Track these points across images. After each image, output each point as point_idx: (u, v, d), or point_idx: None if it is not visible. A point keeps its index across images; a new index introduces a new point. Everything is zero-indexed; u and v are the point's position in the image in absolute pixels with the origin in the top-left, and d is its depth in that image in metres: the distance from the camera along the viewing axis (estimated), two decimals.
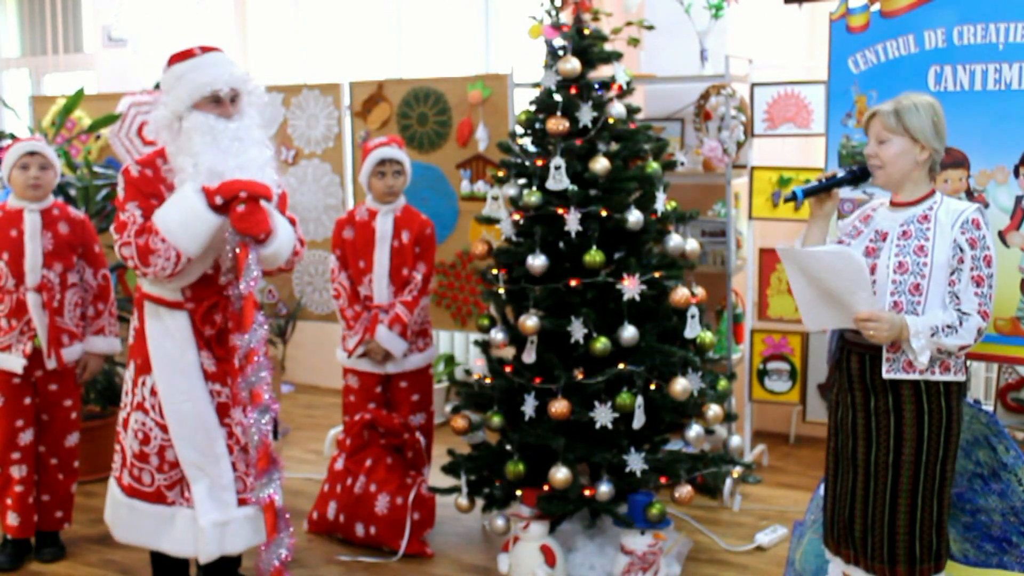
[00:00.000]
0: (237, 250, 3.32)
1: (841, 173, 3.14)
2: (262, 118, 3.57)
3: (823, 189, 3.13)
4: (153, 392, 3.44)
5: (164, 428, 3.43)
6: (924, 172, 3.01)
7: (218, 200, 3.25)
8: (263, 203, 3.30)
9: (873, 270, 2.99)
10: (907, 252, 2.95)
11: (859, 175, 3.15)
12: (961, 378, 2.98)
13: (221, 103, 3.36)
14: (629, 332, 3.91)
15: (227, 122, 3.35)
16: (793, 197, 3.17)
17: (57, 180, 4.27)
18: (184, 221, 3.25)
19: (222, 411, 3.47)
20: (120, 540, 3.58)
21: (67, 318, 4.21)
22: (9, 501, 4.22)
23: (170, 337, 3.44)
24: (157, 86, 6.27)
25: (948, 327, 2.88)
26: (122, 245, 3.32)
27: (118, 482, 3.55)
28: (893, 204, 3.06)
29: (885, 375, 2.97)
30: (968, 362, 3.23)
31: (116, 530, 3.58)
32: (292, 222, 3.59)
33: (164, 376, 3.42)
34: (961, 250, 2.91)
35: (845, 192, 3.83)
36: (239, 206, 3.25)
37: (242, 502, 3.48)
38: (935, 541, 2.99)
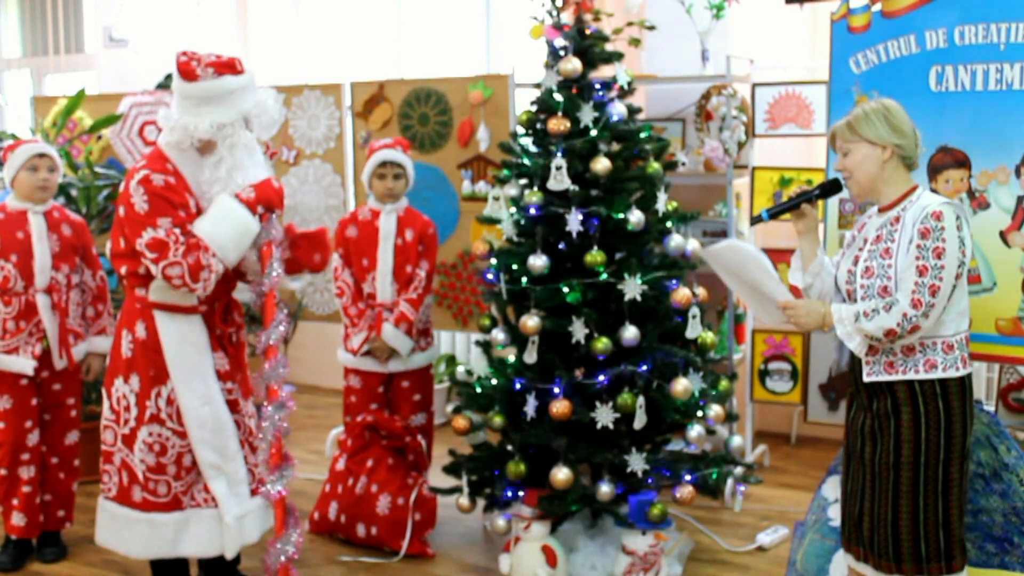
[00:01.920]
0: (263, 248, 3.42)
1: (811, 189, 3.20)
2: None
3: (788, 208, 3.18)
4: (170, 402, 3.40)
5: (182, 435, 3.42)
6: (896, 170, 2.99)
7: (260, 210, 3.37)
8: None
9: (856, 278, 3.00)
10: (874, 256, 2.95)
11: (828, 189, 3.20)
12: (955, 374, 2.94)
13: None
14: (630, 332, 3.91)
15: (255, 140, 3.48)
16: (758, 219, 3.23)
17: (59, 181, 4.29)
18: (238, 236, 3.32)
19: (232, 407, 3.51)
20: (137, 556, 3.53)
21: (72, 318, 4.22)
22: (16, 501, 4.23)
23: (188, 343, 3.43)
24: (159, 86, 6.28)
25: (871, 311, 2.87)
26: (168, 265, 3.24)
27: (123, 501, 3.47)
28: (879, 210, 3.06)
29: (865, 378, 2.98)
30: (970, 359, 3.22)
31: (130, 547, 3.49)
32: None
33: (184, 383, 3.40)
34: (912, 240, 2.87)
35: (846, 193, 3.83)
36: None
37: (253, 493, 3.53)
38: (942, 541, 2.97)
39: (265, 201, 3.38)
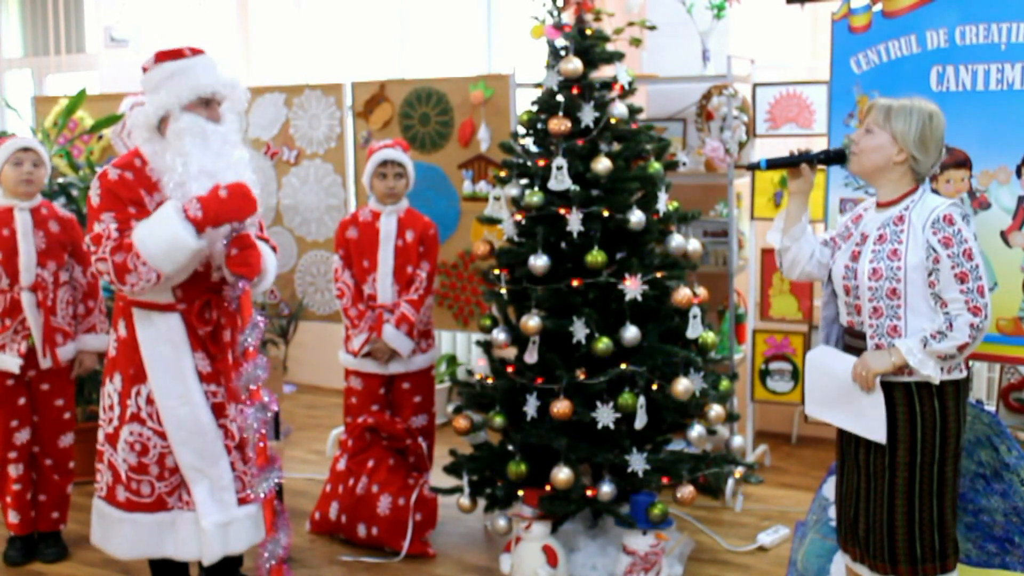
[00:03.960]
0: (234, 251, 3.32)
1: (815, 151, 3.14)
2: (240, 122, 3.58)
3: (788, 163, 3.13)
4: (149, 401, 3.37)
5: (163, 435, 3.38)
6: (902, 174, 2.96)
7: (208, 229, 3.24)
8: (252, 237, 3.35)
9: (856, 275, 2.99)
10: (881, 257, 2.92)
11: (832, 157, 3.13)
12: (956, 376, 2.94)
13: (210, 106, 3.36)
14: (631, 332, 3.91)
15: (216, 125, 3.36)
16: (756, 166, 3.19)
17: (47, 178, 4.27)
18: (169, 250, 3.19)
19: (218, 411, 3.44)
20: (122, 557, 3.50)
21: (60, 317, 4.20)
22: (8, 499, 4.25)
23: (164, 341, 3.37)
24: None
25: (938, 333, 2.84)
26: (98, 260, 3.22)
27: (110, 500, 3.46)
28: (878, 205, 3.04)
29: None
30: (970, 361, 3.21)
31: (116, 548, 3.47)
32: (260, 227, 3.63)
33: (161, 382, 3.36)
34: (935, 251, 2.85)
35: (847, 192, 3.83)
36: (232, 250, 3.28)
37: (242, 501, 3.47)
38: (937, 541, 2.97)
39: (214, 220, 3.23)
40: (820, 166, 3.20)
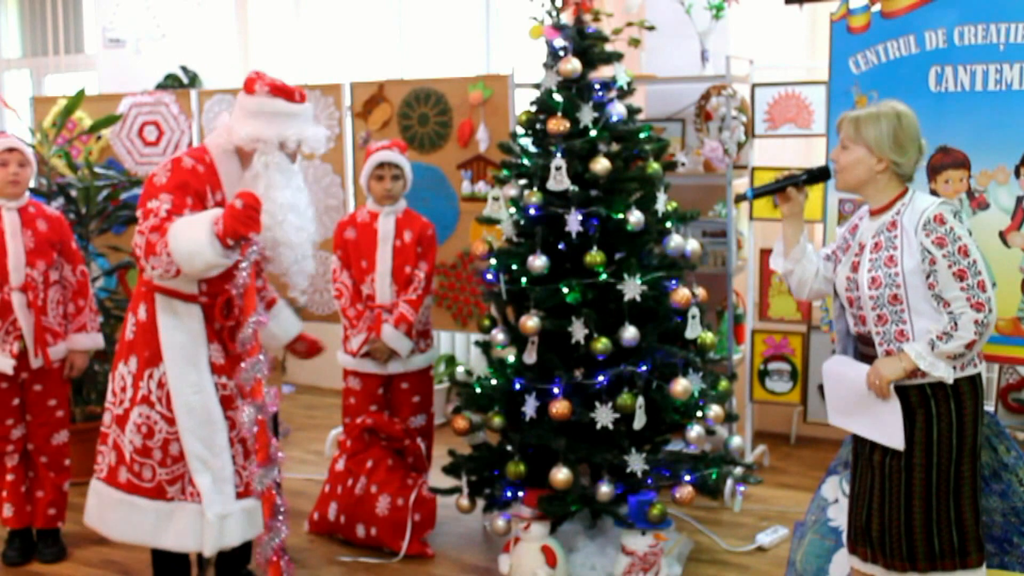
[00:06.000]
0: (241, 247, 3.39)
1: (799, 173, 3.17)
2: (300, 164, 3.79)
3: (773, 190, 3.16)
4: (160, 385, 3.46)
5: (170, 421, 3.45)
6: (887, 180, 2.97)
7: (230, 242, 3.31)
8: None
9: (858, 285, 2.99)
10: (879, 265, 2.93)
11: (816, 175, 3.16)
12: (970, 372, 2.94)
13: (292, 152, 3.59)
14: (630, 332, 3.91)
15: (295, 167, 3.59)
16: (743, 198, 3.22)
17: (33, 177, 4.28)
18: (191, 253, 3.29)
19: (226, 403, 3.53)
20: (116, 539, 3.58)
21: (51, 317, 4.21)
22: (4, 493, 4.27)
23: (183, 330, 3.48)
24: (159, 86, 6.28)
25: (944, 334, 2.85)
26: (138, 232, 3.36)
27: (111, 481, 3.55)
28: (871, 213, 3.04)
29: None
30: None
31: (111, 529, 3.56)
32: None
33: (175, 368, 3.46)
34: (929, 252, 2.85)
35: (845, 192, 3.83)
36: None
37: (240, 495, 3.53)
38: (956, 539, 2.96)
39: (232, 233, 3.29)
40: (807, 186, 3.20)
